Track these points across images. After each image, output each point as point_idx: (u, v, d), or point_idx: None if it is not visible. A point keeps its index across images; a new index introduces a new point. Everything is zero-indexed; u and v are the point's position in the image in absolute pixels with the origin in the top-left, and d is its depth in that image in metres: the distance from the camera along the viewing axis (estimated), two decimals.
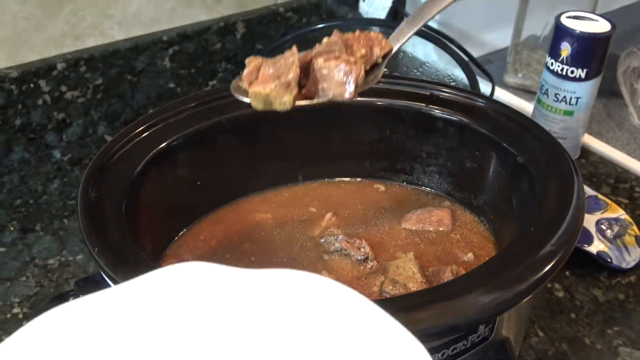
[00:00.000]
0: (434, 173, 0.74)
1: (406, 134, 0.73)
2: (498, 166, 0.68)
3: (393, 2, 1.14)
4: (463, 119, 0.69)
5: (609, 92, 1.12)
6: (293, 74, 0.53)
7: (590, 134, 1.03)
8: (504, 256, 0.53)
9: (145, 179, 0.60)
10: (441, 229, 0.68)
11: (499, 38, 1.22)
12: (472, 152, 0.70)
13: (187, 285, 0.36)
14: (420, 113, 0.71)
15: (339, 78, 0.52)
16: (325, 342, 0.32)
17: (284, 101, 0.53)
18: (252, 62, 0.56)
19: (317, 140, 0.74)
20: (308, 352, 0.31)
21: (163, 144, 0.64)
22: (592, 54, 0.91)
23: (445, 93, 0.70)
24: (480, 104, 0.69)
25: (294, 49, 0.56)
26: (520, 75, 1.15)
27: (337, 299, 0.34)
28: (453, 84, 1.11)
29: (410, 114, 0.71)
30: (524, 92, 1.13)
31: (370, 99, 0.71)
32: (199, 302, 0.35)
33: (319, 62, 0.53)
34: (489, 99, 0.70)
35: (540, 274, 0.50)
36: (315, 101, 0.54)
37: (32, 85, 0.90)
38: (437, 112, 0.70)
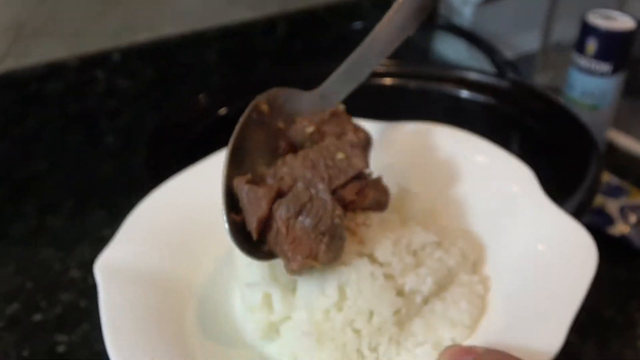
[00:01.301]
0: None
1: (436, 115, 0.78)
2: (522, 144, 0.72)
3: None
4: (490, 99, 0.73)
5: (634, 88, 1.16)
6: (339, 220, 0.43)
7: (616, 128, 1.07)
8: None
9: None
10: None
11: (528, 41, 1.27)
12: (499, 132, 0.74)
13: None
14: (449, 95, 0.76)
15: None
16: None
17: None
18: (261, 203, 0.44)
19: None
20: None
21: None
22: (616, 50, 0.95)
23: (474, 76, 0.75)
24: (507, 86, 0.74)
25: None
26: (549, 75, 1.19)
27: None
28: None
29: (440, 95, 0.76)
30: (553, 91, 1.17)
31: (402, 81, 0.76)
32: None
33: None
34: (515, 81, 0.75)
35: None
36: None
37: (89, 74, 0.97)
38: (465, 93, 0.75)
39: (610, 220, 0.87)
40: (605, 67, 0.95)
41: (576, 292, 0.40)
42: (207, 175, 0.52)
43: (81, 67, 0.96)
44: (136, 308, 0.43)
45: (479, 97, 0.74)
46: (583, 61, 0.96)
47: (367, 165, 0.47)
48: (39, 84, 0.93)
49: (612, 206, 0.89)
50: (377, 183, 0.47)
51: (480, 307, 0.44)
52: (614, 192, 0.92)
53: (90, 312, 0.76)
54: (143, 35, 1.01)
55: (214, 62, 1.08)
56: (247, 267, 0.47)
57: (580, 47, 0.97)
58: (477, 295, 0.45)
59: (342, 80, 0.51)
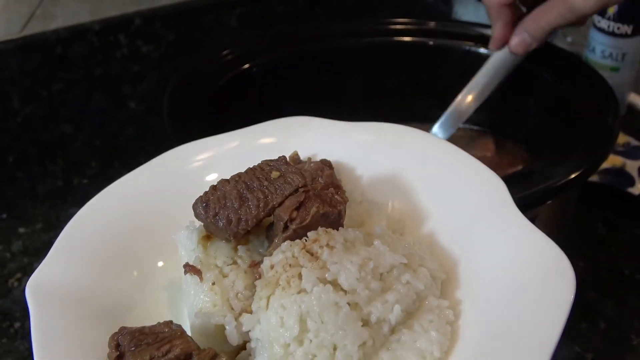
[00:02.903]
0: (479, 110, 0.79)
1: (456, 72, 0.78)
2: (540, 99, 0.73)
3: None
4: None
5: None
6: None
7: (636, 92, 1.06)
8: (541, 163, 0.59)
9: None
10: (487, 154, 0.73)
11: None
12: (516, 87, 0.75)
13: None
14: (469, 52, 0.76)
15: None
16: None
17: None
18: None
19: (371, 79, 0.80)
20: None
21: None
22: (638, 10, 0.94)
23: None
24: None
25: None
26: (569, 39, 1.19)
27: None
28: None
29: (460, 52, 0.76)
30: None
31: (422, 39, 0.76)
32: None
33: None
34: None
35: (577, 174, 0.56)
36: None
37: (112, 38, 0.98)
38: (483, 50, 0.75)
39: (630, 180, 0.87)
40: (625, 28, 0.95)
41: (556, 320, 0.37)
42: (152, 180, 0.50)
43: (104, 31, 0.97)
44: (68, 334, 0.41)
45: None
46: (603, 22, 0.96)
47: (304, 180, 0.45)
48: (63, 47, 0.94)
49: (632, 166, 0.89)
50: (321, 194, 0.44)
51: (450, 335, 0.41)
52: (634, 152, 0.92)
53: None
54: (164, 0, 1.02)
55: (235, 27, 1.08)
56: (198, 295, 0.44)
57: None
58: (447, 322, 0.42)
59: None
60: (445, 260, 0.46)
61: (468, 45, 0.76)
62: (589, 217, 0.84)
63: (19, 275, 0.76)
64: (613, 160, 0.89)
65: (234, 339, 0.42)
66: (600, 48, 0.98)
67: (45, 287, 0.42)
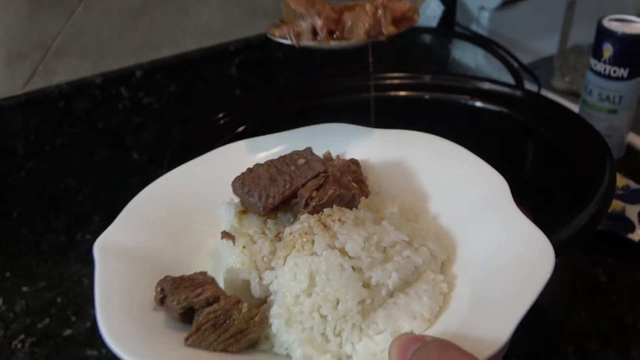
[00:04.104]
0: None
1: (452, 125, 0.79)
2: (536, 153, 0.73)
3: (443, 12, 1.21)
4: (504, 109, 0.74)
5: None
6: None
7: (635, 132, 1.07)
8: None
9: None
10: None
11: (546, 45, 1.27)
12: (513, 141, 0.75)
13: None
14: (465, 105, 0.77)
15: (372, 14, 0.55)
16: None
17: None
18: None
19: None
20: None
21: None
22: (633, 54, 0.95)
23: (488, 87, 0.77)
24: (521, 96, 0.75)
25: None
26: (567, 79, 1.20)
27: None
28: None
29: (455, 106, 0.77)
30: (571, 95, 1.17)
31: (417, 93, 0.77)
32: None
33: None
34: (528, 91, 0.76)
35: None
36: (352, 42, 0.56)
37: (113, 91, 1.00)
38: (479, 104, 0.76)
39: (630, 226, 0.87)
40: (621, 71, 0.96)
41: (529, 293, 0.42)
42: (205, 169, 0.59)
43: (106, 85, 0.99)
44: (126, 284, 0.48)
45: (494, 107, 0.75)
46: (599, 66, 0.97)
47: (325, 168, 0.53)
48: (66, 102, 0.95)
49: (632, 211, 0.89)
50: (339, 181, 0.53)
51: (441, 303, 0.47)
52: (634, 196, 0.92)
53: None
54: (164, 51, 1.04)
55: (235, 75, 1.10)
56: (230, 256, 0.51)
57: (596, 51, 0.97)
58: (440, 293, 0.48)
59: None
60: (447, 244, 0.52)
61: (464, 99, 0.77)
62: (589, 264, 0.84)
63: (22, 336, 0.77)
64: (613, 205, 0.89)
65: (256, 292, 0.49)
66: (597, 91, 0.99)
67: (110, 245, 0.51)
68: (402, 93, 0.77)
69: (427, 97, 0.78)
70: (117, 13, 0.97)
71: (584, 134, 0.70)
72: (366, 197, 0.54)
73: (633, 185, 0.94)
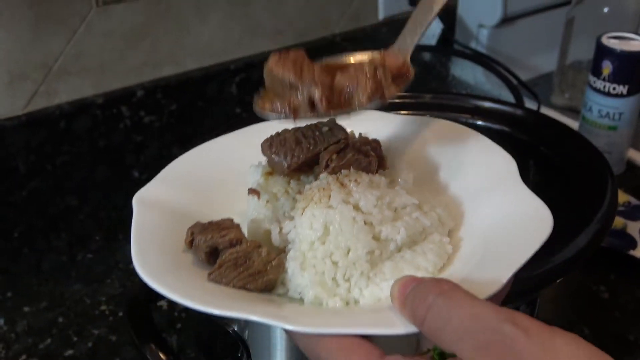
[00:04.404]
0: None
1: None
2: (537, 171, 0.73)
3: (442, 30, 1.21)
4: (504, 127, 0.75)
5: None
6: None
7: (635, 148, 1.07)
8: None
9: None
10: None
11: (545, 62, 1.28)
12: (513, 159, 0.75)
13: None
14: (465, 124, 0.77)
15: (372, 76, 0.55)
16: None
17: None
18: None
19: None
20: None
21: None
22: (632, 71, 0.96)
23: (488, 105, 0.77)
24: (521, 114, 0.76)
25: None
26: (566, 95, 1.20)
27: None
28: None
29: None
30: (571, 111, 1.18)
31: (418, 112, 0.77)
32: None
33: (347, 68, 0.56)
34: (529, 109, 0.76)
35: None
36: (353, 110, 0.55)
37: (114, 110, 1.00)
38: (480, 122, 0.76)
39: (632, 242, 0.87)
40: (621, 88, 0.96)
41: (527, 249, 0.45)
42: (243, 141, 0.63)
43: (107, 104, 0.99)
44: (160, 229, 0.53)
45: (495, 126, 0.75)
46: (599, 83, 0.97)
47: (347, 135, 0.58)
48: (67, 121, 0.96)
49: (634, 228, 0.90)
50: (359, 147, 0.57)
51: (445, 261, 0.51)
52: (635, 213, 0.92)
53: (121, 346, 0.78)
54: (165, 70, 1.04)
55: (236, 94, 1.10)
56: (255, 209, 0.56)
57: (595, 69, 0.98)
58: (445, 252, 0.51)
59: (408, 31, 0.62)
60: (456, 214, 0.56)
61: (464, 118, 0.77)
62: (591, 281, 0.84)
63: (24, 357, 0.77)
64: (614, 222, 0.90)
65: (276, 241, 0.53)
66: (597, 108, 0.99)
67: (147, 199, 0.56)
68: (403, 112, 0.77)
69: (428, 116, 0.78)
70: (119, 33, 0.98)
71: (585, 153, 0.70)
72: (383, 169, 0.58)
73: (634, 201, 0.95)
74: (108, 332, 0.80)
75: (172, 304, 0.83)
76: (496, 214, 0.52)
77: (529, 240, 0.46)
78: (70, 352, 0.77)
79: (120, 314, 0.82)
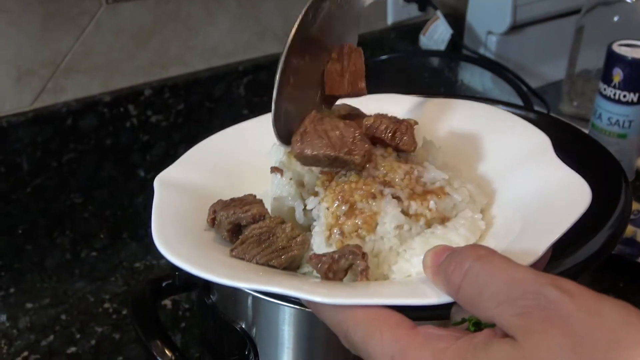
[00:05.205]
0: None
1: None
2: None
3: (452, 35, 1.21)
4: None
5: None
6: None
7: None
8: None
9: None
10: None
11: (554, 70, 1.27)
12: None
13: None
14: None
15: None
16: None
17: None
18: None
19: None
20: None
21: None
22: None
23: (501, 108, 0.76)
24: (532, 118, 0.75)
25: None
26: (574, 104, 1.20)
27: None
28: None
29: None
30: (579, 119, 1.17)
31: None
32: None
33: None
34: (541, 112, 0.75)
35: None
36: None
37: (122, 109, 1.00)
38: None
39: None
40: (631, 96, 0.96)
41: (566, 218, 0.44)
42: (264, 127, 0.60)
43: (114, 103, 0.98)
44: (181, 209, 0.53)
45: None
46: (609, 90, 0.97)
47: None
48: (74, 119, 0.95)
49: None
50: (391, 118, 0.54)
51: (477, 237, 0.49)
52: None
53: (124, 344, 0.77)
54: (173, 70, 1.04)
55: (243, 95, 1.10)
56: (278, 186, 0.55)
57: (606, 76, 0.97)
58: (478, 228, 0.50)
59: None
60: (489, 192, 0.55)
61: None
62: (600, 289, 0.83)
63: (26, 353, 0.76)
64: None
65: (300, 218, 0.52)
66: (606, 115, 0.98)
67: (168, 180, 0.56)
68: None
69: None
70: (127, 32, 0.97)
71: (598, 157, 0.69)
72: (413, 150, 0.55)
73: None
74: (111, 330, 0.79)
75: (176, 303, 0.82)
76: (532, 188, 0.51)
77: (567, 211, 0.45)
78: (73, 349, 0.77)
79: (124, 312, 0.81)
